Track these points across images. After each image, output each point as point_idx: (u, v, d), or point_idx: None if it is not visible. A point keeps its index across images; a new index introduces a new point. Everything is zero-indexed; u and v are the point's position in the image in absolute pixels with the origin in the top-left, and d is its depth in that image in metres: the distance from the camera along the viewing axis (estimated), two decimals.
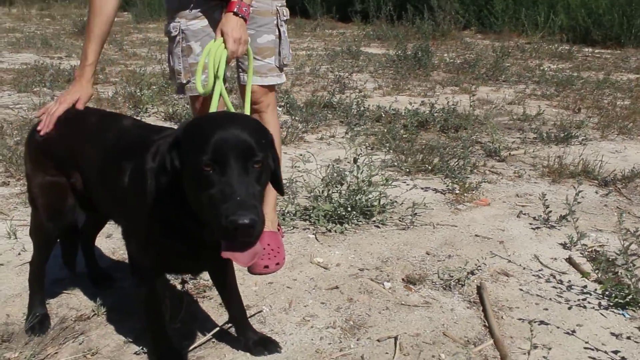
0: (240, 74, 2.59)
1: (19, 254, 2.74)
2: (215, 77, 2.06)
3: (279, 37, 2.56)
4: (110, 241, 2.89)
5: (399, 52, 8.10)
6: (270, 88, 2.60)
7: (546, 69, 7.74)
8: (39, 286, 2.23)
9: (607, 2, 11.20)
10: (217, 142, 1.39)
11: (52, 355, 2.04)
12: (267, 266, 2.55)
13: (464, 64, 7.99)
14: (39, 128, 2.04)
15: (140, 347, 2.05)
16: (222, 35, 2.16)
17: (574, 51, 9.73)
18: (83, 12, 13.81)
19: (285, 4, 2.60)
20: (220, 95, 2.03)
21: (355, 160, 3.00)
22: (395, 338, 2.10)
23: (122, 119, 2.00)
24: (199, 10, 2.41)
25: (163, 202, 1.60)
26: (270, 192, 2.62)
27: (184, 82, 2.48)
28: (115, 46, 9.87)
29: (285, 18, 2.58)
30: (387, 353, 2.03)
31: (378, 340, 2.09)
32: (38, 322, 2.17)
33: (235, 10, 2.18)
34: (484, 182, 3.71)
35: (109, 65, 8.18)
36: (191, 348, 2.07)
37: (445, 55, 8.93)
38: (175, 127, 2.05)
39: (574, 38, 11.06)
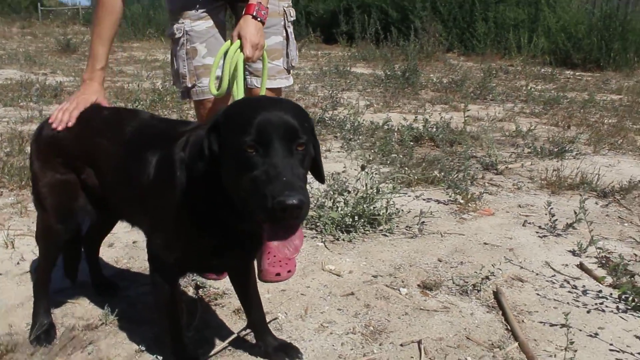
0: (247, 77, 2.52)
1: (18, 263, 2.64)
2: (230, 80, 2.02)
3: (287, 38, 2.52)
4: (113, 250, 2.80)
5: (388, 71, 8.16)
6: (278, 92, 2.55)
7: (531, 89, 7.87)
8: (44, 294, 2.13)
9: (586, 27, 11.51)
10: (261, 123, 1.35)
11: None
12: (278, 274, 2.48)
13: (452, 84, 8.08)
14: (53, 125, 1.94)
15: (154, 356, 1.96)
16: (240, 38, 2.12)
17: (556, 73, 9.94)
18: (66, 31, 13.71)
19: (291, 4, 2.54)
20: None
21: (363, 167, 2.97)
22: (419, 342, 2.05)
23: (140, 113, 1.94)
24: (204, 10, 2.35)
25: (195, 193, 1.54)
26: None
27: (189, 85, 2.41)
28: None
29: (292, 19, 2.52)
30: (412, 357, 1.97)
31: (401, 345, 2.04)
32: (44, 332, 2.07)
33: (254, 13, 2.14)
34: (485, 193, 3.71)
35: None
36: (209, 355, 1.99)
37: (432, 75, 9.04)
38: None
39: (554, 61, 11.31)
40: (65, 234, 2.01)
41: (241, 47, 2.08)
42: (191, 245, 1.64)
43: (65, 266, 2.26)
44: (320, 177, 1.63)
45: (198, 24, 2.36)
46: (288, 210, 1.24)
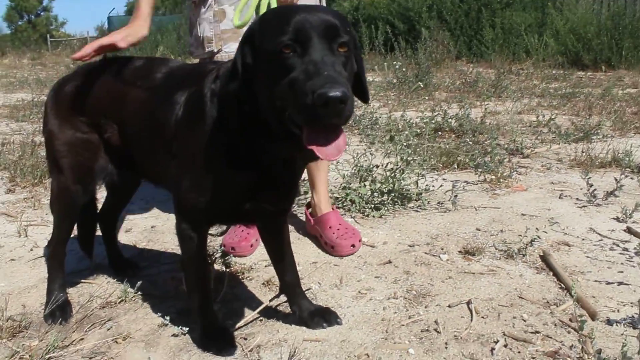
0: None
1: (31, 249, 2.51)
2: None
3: None
4: (131, 235, 2.67)
5: (400, 74, 8.07)
6: None
7: (547, 85, 7.71)
8: (59, 268, 1.98)
9: (595, 27, 11.38)
10: (298, 21, 1.22)
11: (77, 342, 1.79)
12: (353, 245, 2.32)
13: (465, 85, 7.96)
14: (75, 55, 1.82)
15: (179, 328, 1.79)
16: None
17: (569, 74, 9.78)
18: None
19: None
20: None
21: (391, 138, 2.82)
22: (468, 302, 1.87)
23: (169, 60, 1.82)
24: None
25: (226, 125, 1.40)
26: (322, 170, 2.44)
27: (215, 50, 2.31)
28: None
29: None
30: (462, 317, 1.80)
31: (449, 306, 1.87)
32: (59, 308, 1.91)
33: None
34: (515, 172, 3.55)
35: None
36: (238, 326, 1.82)
37: (443, 80, 8.92)
38: None
39: (564, 63, 11.15)
40: (83, 195, 1.87)
41: None
42: (223, 185, 1.49)
43: (80, 240, 2.12)
44: (364, 95, 1.47)
45: None
46: (330, 104, 1.09)
